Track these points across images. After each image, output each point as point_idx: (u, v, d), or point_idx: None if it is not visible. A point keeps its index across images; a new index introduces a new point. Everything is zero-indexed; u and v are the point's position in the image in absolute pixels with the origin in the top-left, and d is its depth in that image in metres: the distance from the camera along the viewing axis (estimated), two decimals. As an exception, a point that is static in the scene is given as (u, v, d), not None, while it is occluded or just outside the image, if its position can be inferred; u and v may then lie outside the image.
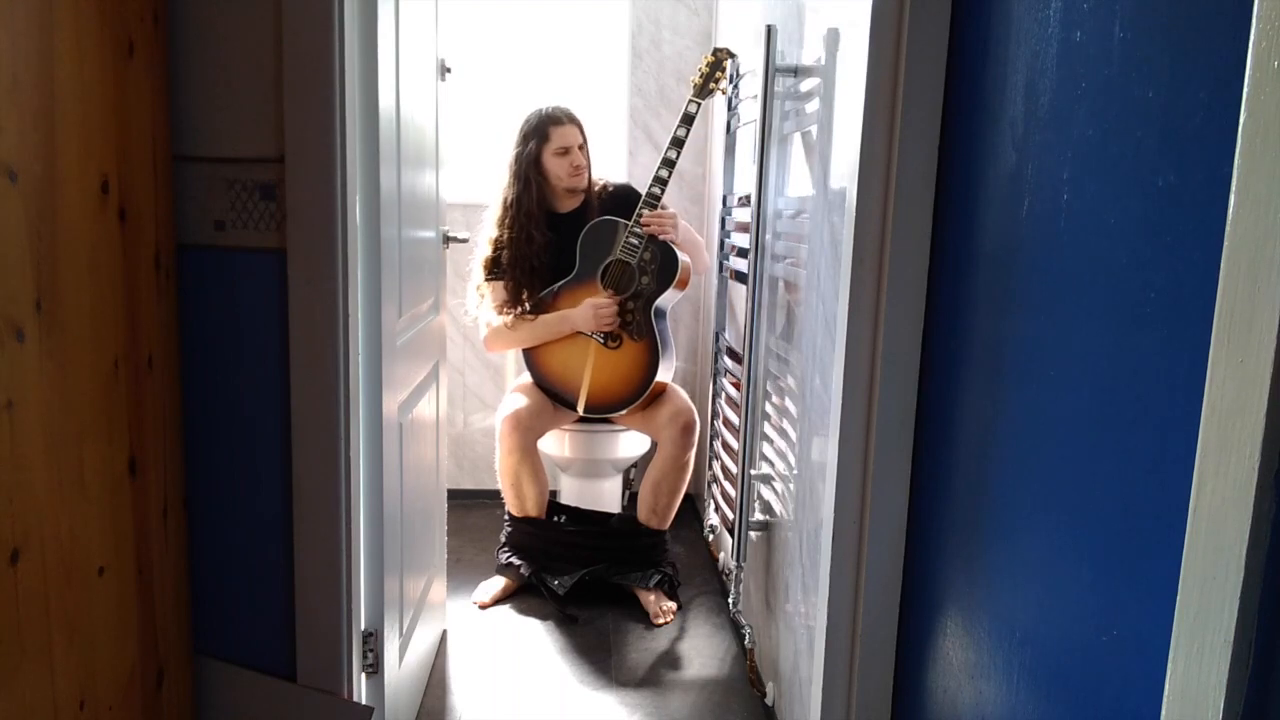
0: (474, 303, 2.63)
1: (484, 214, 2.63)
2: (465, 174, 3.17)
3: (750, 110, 2.24)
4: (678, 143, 2.44)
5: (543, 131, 2.53)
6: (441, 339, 2.23)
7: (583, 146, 2.56)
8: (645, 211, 2.46)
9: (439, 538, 2.30)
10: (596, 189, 2.63)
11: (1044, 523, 0.99)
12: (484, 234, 2.60)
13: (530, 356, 2.58)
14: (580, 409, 2.54)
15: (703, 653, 2.32)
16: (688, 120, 2.44)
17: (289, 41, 1.39)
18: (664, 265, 2.49)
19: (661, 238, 2.47)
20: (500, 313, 2.54)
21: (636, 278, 2.49)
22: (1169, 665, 0.67)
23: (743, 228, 2.27)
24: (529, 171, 2.53)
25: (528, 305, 2.54)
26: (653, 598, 2.51)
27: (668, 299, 2.53)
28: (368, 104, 1.48)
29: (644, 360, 2.50)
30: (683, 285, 2.54)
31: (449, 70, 2.08)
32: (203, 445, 1.53)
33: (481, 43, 3.18)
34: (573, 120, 2.56)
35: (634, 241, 2.47)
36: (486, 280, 2.58)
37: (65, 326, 1.18)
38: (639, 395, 2.50)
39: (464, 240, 2.31)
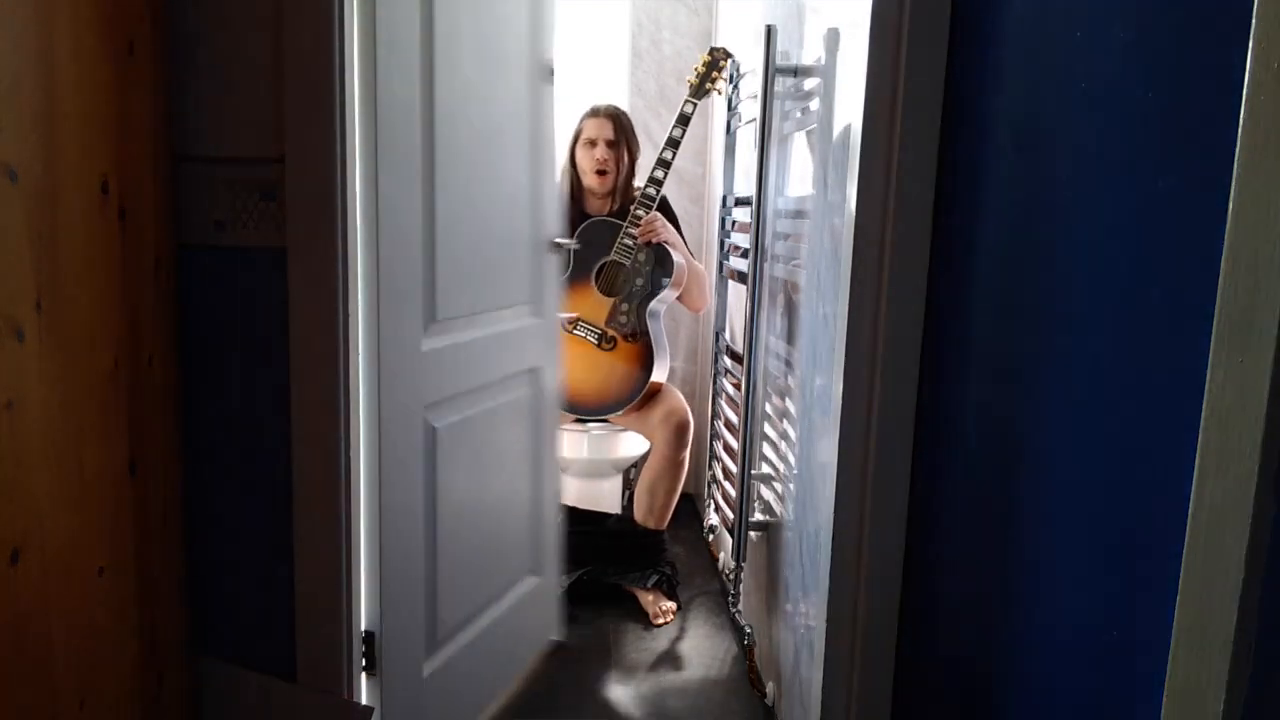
0: None
1: None
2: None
3: (750, 110, 2.24)
4: (673, 143, 2.44)
5: (581, 122, 2.56)
6: (541, 344, 2.07)
7: (613, 144, 2.52)
8: (640, 214, 2.45)
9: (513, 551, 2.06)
10: (635, 196, 2.58)
11: (1043, 522, 0.99)
12: None
13: None
14: (565, 408, 2.53)
15: (703, 653, 2.32)
16: (684, 121, 2.44)
17: (289, 41, 1.39)
18: (659, 266, 2.48)
19: (654, 240, 2.46)
20: None
21: (631, 279, 2.48)
22: (1169, 665, 0.67)
23: (743, 228, 2.27)
24: (567, 162, 2.57)
25: None
26: (651, 598, 2.51)
27: (663, 300, 2.53)
28: (367, 103, 1.48)
29: (639, 361, 2.49)
30: (678, 286, 2.53)
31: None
32: (203, 445, 1.53)
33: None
34: (610, 116, 2.54)
35: (628, 243, 2.46)
36: None
37: (65, 326, 1.18)
38: (634, 396, 2.50)
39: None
